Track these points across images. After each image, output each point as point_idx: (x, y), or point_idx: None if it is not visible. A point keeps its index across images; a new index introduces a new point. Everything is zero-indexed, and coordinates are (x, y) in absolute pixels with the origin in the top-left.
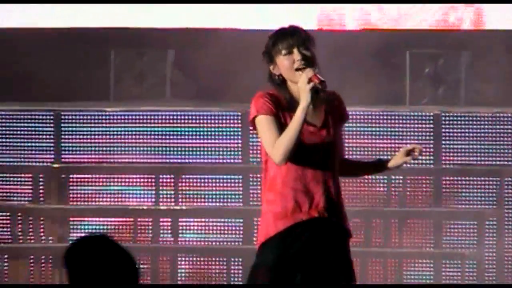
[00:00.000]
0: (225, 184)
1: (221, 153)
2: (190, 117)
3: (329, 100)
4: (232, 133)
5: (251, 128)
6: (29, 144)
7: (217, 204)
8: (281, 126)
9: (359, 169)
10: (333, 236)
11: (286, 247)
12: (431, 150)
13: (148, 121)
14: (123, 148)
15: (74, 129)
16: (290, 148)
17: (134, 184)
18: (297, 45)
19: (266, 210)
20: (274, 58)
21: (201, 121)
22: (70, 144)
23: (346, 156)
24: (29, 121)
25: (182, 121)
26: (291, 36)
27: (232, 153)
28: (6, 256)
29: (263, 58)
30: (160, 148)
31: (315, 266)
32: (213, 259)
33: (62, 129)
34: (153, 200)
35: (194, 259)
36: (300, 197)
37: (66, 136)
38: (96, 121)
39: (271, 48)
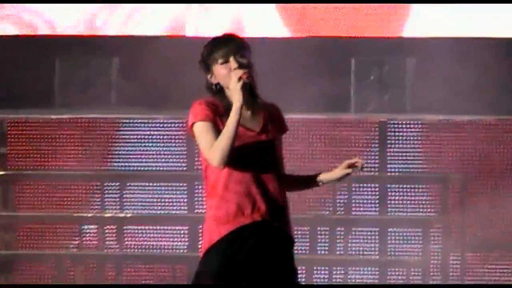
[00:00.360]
0: (170, 192)
1: (165, 160)
2: (135, 124)
3: (268, 109)
4: (176, 140)
5: (189, 135)
6: None
7: (162, 211)
8: (219, 133)
9: (298, 183)
10: (276, 242)
11: (230, 253)
12: (377, 157)
13: (93, 127)
14: (68, 155)
15: (19, 135)
16: (227, 150)
17: (79, 191)
18: (233, 53)
19: (209, 216)
20: (210, 67)
21: (146, 128)
22: (15, 151)
23: (291, 165)
24: None
25: (127, 128)
26: (226, 45)
27: (177, 160)
28: None
29: (199, 67)
30: (105, 155)
31: (259, 273)
32: (158, 266)
33: (7, 135)
34: (99, 207)
35: (139, 266)
36: (242, 201)
37: (11, 143)
38: (41, 127)
39: (206, 57)
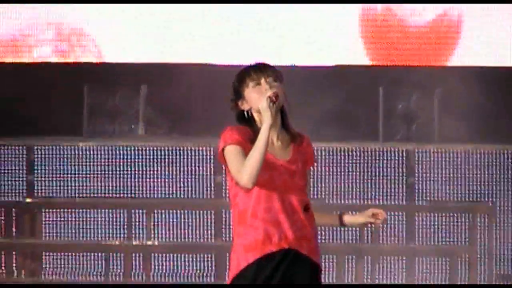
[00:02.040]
0: (197, 220)
1: (193, 188)
2: (163, 153)
3: (299, 140)
4: (203, 167)
5: (220, 161)
6: (1, 178)
7: (189, 239)
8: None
9: (321, 219)
10: (303, 270)
11: (257, 279)
12: (404, 186)
13: (121, 157)
14: (96, 183)
15: (46, 163)
16: (256, 169)
17: (107, 219)
18: (264, 76)
19: (237, 243)
20: (242, 93)
21: (174, 156)
22: (43, 179)
23: (319, 191)
24: (1, 155)
25: (156, 157)
26: (259, 69)
27: (204, 187)
28: None
29: (231, 97)
30: (133, 184)
31: None
32: None
33: (35, 163)
34: (125, 235)
35: None
36: (270, 229)
37: (39, 171)
38: (68, 156)
39: (238, 84)
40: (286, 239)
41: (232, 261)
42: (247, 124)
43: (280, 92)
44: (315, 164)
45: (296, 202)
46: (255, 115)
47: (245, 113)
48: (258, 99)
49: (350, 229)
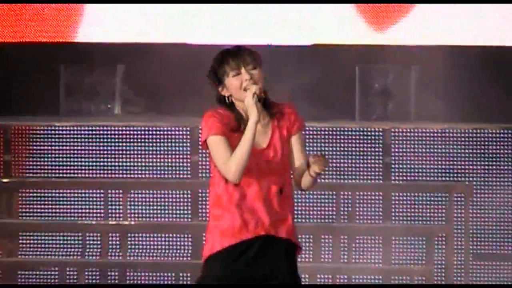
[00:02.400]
0: (173, 199)
1: (170, 168)
2: (139, 133)
3: (280, 113)
4: (181, 148)
5: (202, 148)
6: None
7: (166, 219)
8: (231, 146)
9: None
10: (279, 250)
11: (230, 262)
12: (381, 165)
13: (98, 136)
14: (72, 163)
15: (23, 143)
16: (243, 165)
17: (83, 199)
18: (245, 65)
19: (213, 226)
20: (222, 79)
21: (150, 136)
22: (19, 159)
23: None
24: None
25: (132, 136)
26: (238, 57)
27: (181, 168)
28: None
29: (208, 79)
30: (109, 164)
31: (260, 280)
32: (162, 274)
33: (12, 143)
34: (102, 215)
35: (143, 274)
36: (246, 216)
37: (16, 151)
38: (45, 135)
39: (217, 69)
40: (263, 226)
41: (207, 242)
42: (228, 108)
43: (258, 80)
44: (304, 128)
45: (273, 187)
46: (236, 102)
47: (226, 98)
48: (238, 88)
49: (326, 209)
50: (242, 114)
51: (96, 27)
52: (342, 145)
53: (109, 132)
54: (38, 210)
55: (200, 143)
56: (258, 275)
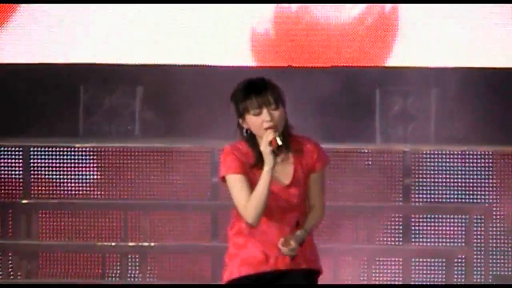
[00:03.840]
0: (194, 221)
1: (191, 190)
2: (160, 154)
3: (301, 150)
4: (202, 170)
5: (221, 183)
6: None
7: (186, 241)
8: (250, 184)
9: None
10: (297, 279)
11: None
12: (401, 187)
13: (118, 158)
14: (92, 185)
15: (43, 164)
16: (260, 209)
17: (103, 220)
18: (267, 105)
19: (234, 253)
20: (243, 113)
21: (170, 157)
22: (39, 180)
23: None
24: None
25: (152, 158)
26: (260, 95)
27: (201, 190)
28: None
29: (231, 106)
30: (129, 185)
31: None
32: None
33: (31, 164)
34: (121, 236)
35: None
36: (268, 251)
37: (35, 171)
38: (65, 156)
39: (240, 103)
40: (283, 261)
41: (227, 268)
42: (248, 142)
43: (279, 120)
44: (327, 164)
45: (293, 222)
46: (257, 136)
47: (245, 131)
48: (259, 127)
49: (346, 230)
50: (260, 150)
51: (116, 48)
52: (362, 166)
53: (129, 154)
54: (58, 231)
55: (219, 176)
56: None
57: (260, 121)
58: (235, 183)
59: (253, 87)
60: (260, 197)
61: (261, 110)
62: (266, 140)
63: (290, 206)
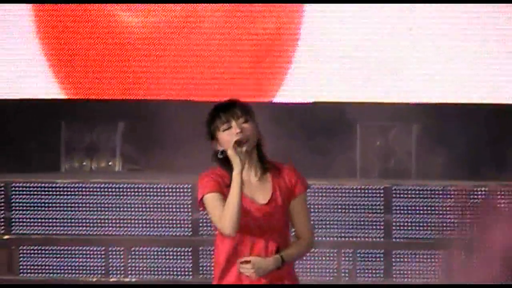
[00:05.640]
0: (174, 257)
1: (171, 225)
2: (140, 190)
3: (280, 174)
4: (182, 205)
5: (201, 208)
6: None
7: (167, 276)
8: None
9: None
10: None
11: None
12: (382, 223)
13: (99, 193)
14: (73, 220)
15: (24, 200)
16: (235, 217)
17: (84, 256)
18: (235, 118)
19: (215, 273)
20: (214, 134)
21: (151, 193)
22: (20, 216)
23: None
24: None
25: (133, 193)
26: (228, 110)
27: (182, 225)
28: None
29: (205, 136)
30: (110, 220)
31: None
32: None
33: (12, 200)
34: (103, 272)
35: None
36: (242, 275)
37: (16, 207)
38: (46, 192)
39: (210, 124)
40: (258, 282)
41: None
42: (223, 164)
43: (250, 133)
44: (307, 188)
45: (271, 245)
46: (229, 156)
47: (219, 153)
48: (229, 142)
49: (327, 266)
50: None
51: (95, 83)
52: (343, 202)
53: (110, 189)
54: (39, 267)
55: (198, 201)
56: None
57: (230, 136)
58: (212, 201)
59: (220, 106)
60: (233, 203)
61: (229, 124)
62: (232, 142)
63: (269, 228)
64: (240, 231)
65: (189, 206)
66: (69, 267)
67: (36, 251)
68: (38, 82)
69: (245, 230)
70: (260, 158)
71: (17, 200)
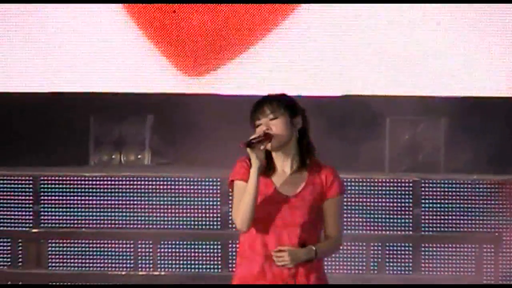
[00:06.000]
0: (204, 251)
1: (200, 219)
2: (169, 183)
3: (318, 174)
4: (211, 199)
5: (230, 190)
6: (8, 208)
7: (196, 270)
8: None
9: None
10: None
11: None
12: (411, 217)
13: (128, 187)
14: (102, 214)
15: (53, 194)
16: (247, 214)
17: (113, 249)
18: (263, 116)
19: (235, 274)
20: (253, 128)
21: (180, 187)
22: (49, 209)
23: None
24: (8, 185)
25: (162, 187)
26: (259, 108)
27: (212, 219)
28: None
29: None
30: (139, 214)
31: None
32: None
33: (41, 193)
34: (132, 266)
35: None
36: (265, 264)
37: (45, 201)
38: (75, 186)
39: (250, 117)
40: (281, 276)
41: None
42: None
43: (277, 130)
44: (342, 193)
45: (294, 238)
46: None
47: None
48: None
49: (356, 259)
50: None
51: (125, 77)
52: (372, 196)
53: (138, 183)
54: (68, 260)
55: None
56: None
57: (260, 131)
58: (237, 189)
59: (257, 102)
60: (246, 201)
61: (260, 121)
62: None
63: (292, 220)
64: (264, 220)
65: (218, 199)
66: (98, 261)
67: (64, 245)
68: (67, 75)
69: (268, 220)
70: (301, 152)
71: (46, 194)
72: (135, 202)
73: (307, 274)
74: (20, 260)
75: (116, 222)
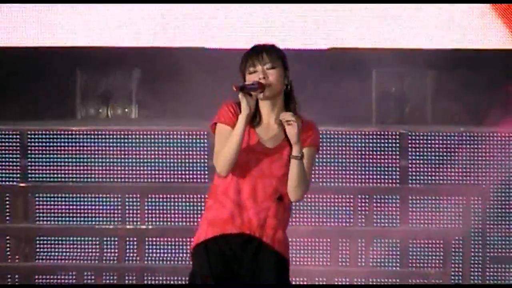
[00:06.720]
0: (190, 204)
1: (187, 172)
2: (156, 137)
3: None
4: (198, 152)
5: (212, 132)
6: None
7: (183, 223)
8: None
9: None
10: (268, 265)
11: (211, 255)
12: (398, 169)
13: (115, 140)
14: (89, 168)
15: (40, 148)
16: (229, 159)
17: (101, 203)
18: (261, 63)
19: (203, 216)
20: (244, 74)
21: (167, 140)
22: (36, 163)
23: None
24: None
25: (149, 140)
26: (256, 55)
27: (199, 172)
28: None
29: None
30: (126, 168)
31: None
32: (180, 278)
33: (28, 148)
34: (120, 219)
35: (161, 278)
36: (235, 211)
37: (32, 155)
38: (62, 140)
39: (240, 65)
40: (249, 224)
41: (196, 231)
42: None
43: (273, 79)
44: (316, 147)
45: (269, 189)
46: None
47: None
48: None
49: (343, 212)
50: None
51: (111, 30)
52: (358, 148)
53: (126, 136)
54: (55, 215)
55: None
56: (246, 278)
57: (254, 79)
58: (220, 132)
59: (252, 49)
60: (230, 145)
61: (255, 68)
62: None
63: (270, 172)
64: (241, 168)
65: (206, 153)
66: (85, 214)
67: (52, 199)
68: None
69: (246, 168)
70: (286, 106)
71: (32, 148)
72: (122, 156)
73: (275, 228)
74: (8, 214)
75: (104, 175)
